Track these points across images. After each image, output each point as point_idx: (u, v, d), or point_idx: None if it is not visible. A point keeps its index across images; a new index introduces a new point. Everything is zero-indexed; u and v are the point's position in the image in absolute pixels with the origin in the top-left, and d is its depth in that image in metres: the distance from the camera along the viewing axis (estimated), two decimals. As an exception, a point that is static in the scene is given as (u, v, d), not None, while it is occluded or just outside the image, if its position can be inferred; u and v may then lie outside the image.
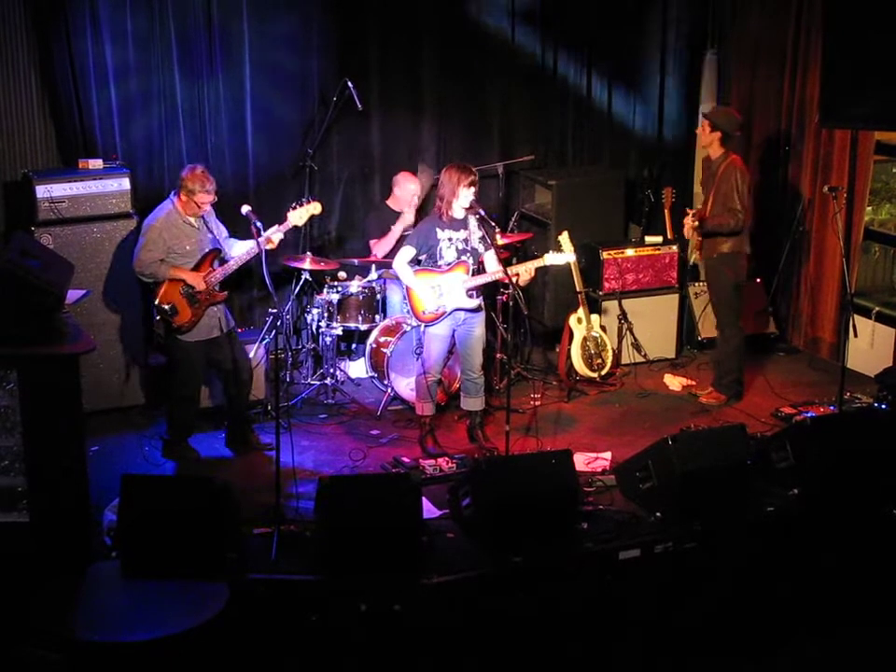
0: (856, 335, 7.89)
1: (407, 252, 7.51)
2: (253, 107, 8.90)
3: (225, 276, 7.43)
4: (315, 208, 7.71)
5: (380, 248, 8.86)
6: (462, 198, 7.34)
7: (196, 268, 7.33)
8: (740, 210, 8.11)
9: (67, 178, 7.91)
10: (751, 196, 8.29)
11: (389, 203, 9.07)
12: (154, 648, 5.39)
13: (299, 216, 7.62)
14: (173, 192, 7.36)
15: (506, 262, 7.68)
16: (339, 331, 8.60)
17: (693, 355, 9.61)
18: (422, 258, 7.57)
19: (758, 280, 9.57)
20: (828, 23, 8.31)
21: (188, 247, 7.31)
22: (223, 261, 7.46)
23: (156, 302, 7.25)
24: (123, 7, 8.31)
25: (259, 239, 7.02)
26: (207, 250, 7.38)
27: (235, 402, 7.71)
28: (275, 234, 7.45)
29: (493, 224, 7.71)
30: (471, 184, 7.32)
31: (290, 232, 7.68)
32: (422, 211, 9.00)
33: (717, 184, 8.20)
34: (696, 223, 8.15)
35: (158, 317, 7.28)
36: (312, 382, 8.72)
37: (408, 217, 8.83)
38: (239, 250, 7.49)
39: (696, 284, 9.72)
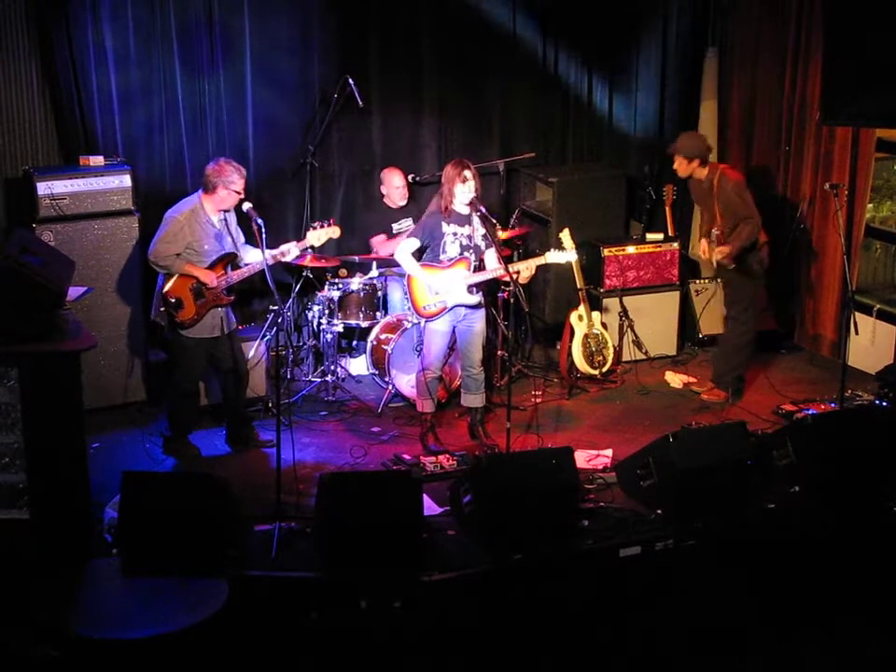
0: (857, 332, 7.88)
1: (410, 243, 7.52)
2: (254, 104, 8.91)
3: (235, 282, 7.45)
4: (334, 232, 7.80)
5: (383, 247, 8.89)
6: (459, 194, 7.35)
7: (210, 269, 7.34)
8: (752, 216, 8.12)
9: (68, 175, 7.91)
10: (752, 193, 8.28)
11: (386, 201, 9.10)
12: (154, 644, 5.39)
13: (317, 237, 7.70)
14: (199, 190, 7.36)
15: (507, 260, 7.68)
16: (340, 328, 8.61)
17: (694, 352, 9.60)
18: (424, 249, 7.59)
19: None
20: (828, 21, 8.32)
21: (206, 247, 7.32)
22: (236, 267, 7.48)
23: (164, 291, 7.26)
24: (124, 4, 8.31)
25: (270, 252, 7.11)
26: (224, 253, 7.40)
27: (233, 399, 7.72)
28: (292, 250, 7.55)
29: (494, 221, 7.71)
30: (465, 179, 7.33)
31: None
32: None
33: (717, 200, 8.17)
34: (726, 253, 8.11)
35: (162, 308, 7.29)
36: (313, 379, 8.72)
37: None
38: (253, 257, 7.52)
39: (697, 281, 9.73)
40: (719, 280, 9.21)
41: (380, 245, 8.97)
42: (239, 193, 7.30)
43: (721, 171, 8.23)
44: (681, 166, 8.26)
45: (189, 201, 7.37)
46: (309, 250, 8.39)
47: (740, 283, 8.40)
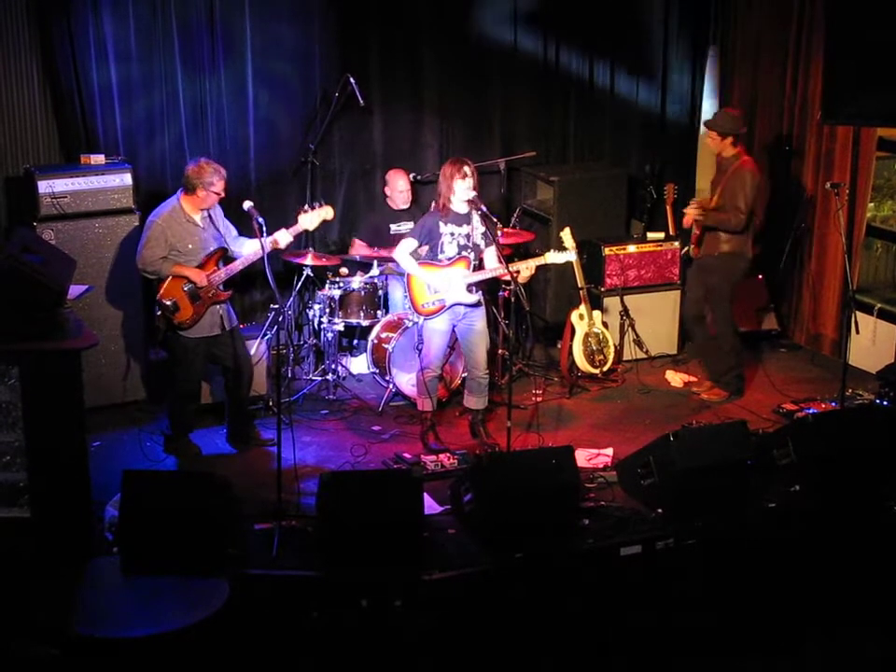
0: (857, 332, 7.90)
1: (409, 243, 7.52)
2: (255, 103, 8.91)
3: (229, 276, 7.44)
4: (326, 213, 7.75)
5: (358, 250, 8.91)
6: (458, 192, 7.34)
7: (200, 267, 7.33)
8: (743, 211, 8.10)
9: (69, 173, 7.91)
10: (763, 199, 8.27)
11: (388, 202, 9.09)
12: (154, 644, 5.39)
13: (309, 219, 7.67)
14: (179, 190, 7.35)
15: (507, 258, 7.67)
16: (340, 327, 8.60)
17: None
18: (422, 250, 7.58)
19: (759, 277, 9.56)
20: (829, 20, 8.32)
21: (190, 246, 7.31)
22: (229, 261, 7.46)
23: (158, 297, 7.26)
24: (125, 3, 8.30)
25: (265, 241, 7.02)
26: (212, 249, 7.39)
27: (236, 399, 7.71)
28: (284, 236, 7.49)
29: (494, 220, 7.71)
30: (464, 175, 7.31)
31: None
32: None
33: (725, 182, 8.20)
34: (698, 214, 8.15)
35: (159, 312, 7.29)
36: (313, 378, 8.72)
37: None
38: (248, 249, 7.50)
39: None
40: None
41: (358, 248, 8.98)
42: (218, 194, 7.29)
43: (743, 160, 8.22)
44: (714, 142, 8.26)
45: (168, 203, 7.35)
46: (309, 247, 8.42)
47: (712, 286, 8.42)
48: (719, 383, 8.59)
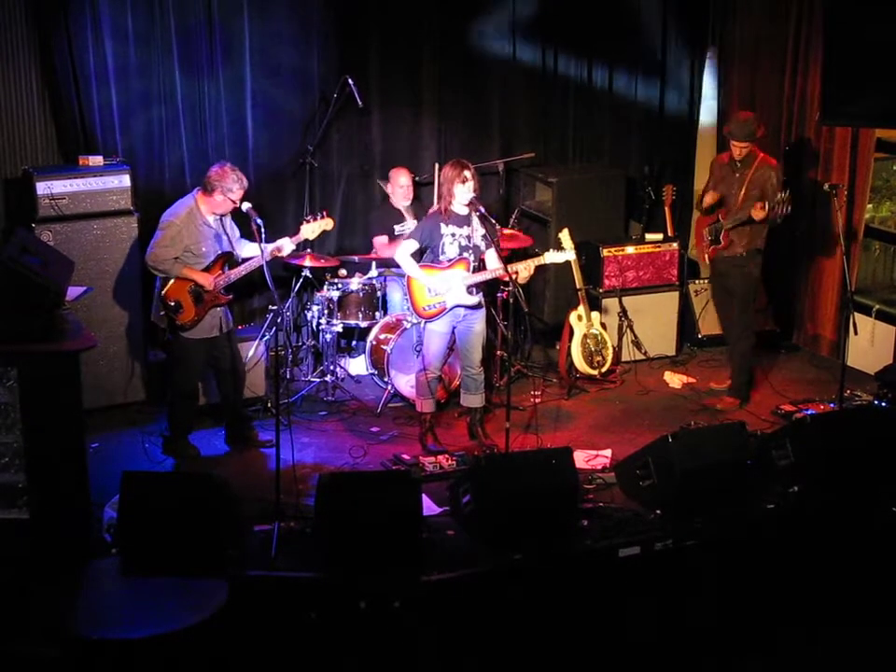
0: (856, 333, 7.89)
1: (409, 245, 7.52)
2: (253, 104, 8.90)
3: (233, 281, 7.45)
4: (327, 224, 7.84)
5: (384, 249, 8.88)
6: (459, 194, 7.35)
7: (207, 269, 7.34)
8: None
9: (67, 175, 7.90)
10: None
11: (391, 201, 9.08)
12: (154, 644, 5.39)
13: (311, 230, 7.75)
14: (196, 190, 7.35)
15: (506, 259, 7.67)
16: (339, 328, 8.60)
17: (694, 352, 9.61)
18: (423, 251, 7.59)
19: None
20: (828, 21, 8.32)
21: (203, 249, 7.32)
22: (234, 265, 7.47)
23: (162, 294, 7.26)
24: (124, 4, 8.29)
25: (266, 249, 7.11)
26: (220, 253, 7.39)
27: (231, 400, 7.72)
28: (286, 245, 7.56)
29: (494, 222, 7.71)
30: (465, 180, 7.32)
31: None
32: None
33: (749, 181, 8.13)
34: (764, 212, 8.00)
35: (162, 312, 7.29)
36: (312, 379, 8.72)
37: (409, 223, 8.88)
38: (249, 251, 7.53)
39: (697, 281, 9.73)
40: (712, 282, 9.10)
41: (381, 246, 8.97)
42: (234, 203, 7.29)
43: (761, 157, 8.19)
44: (743, 150, 8.17)
45: (184, 202, 7.36)
46: (307, 249, 8.41)
47: (740, 286, 8.40)
48: (732, 391, 8.56)
